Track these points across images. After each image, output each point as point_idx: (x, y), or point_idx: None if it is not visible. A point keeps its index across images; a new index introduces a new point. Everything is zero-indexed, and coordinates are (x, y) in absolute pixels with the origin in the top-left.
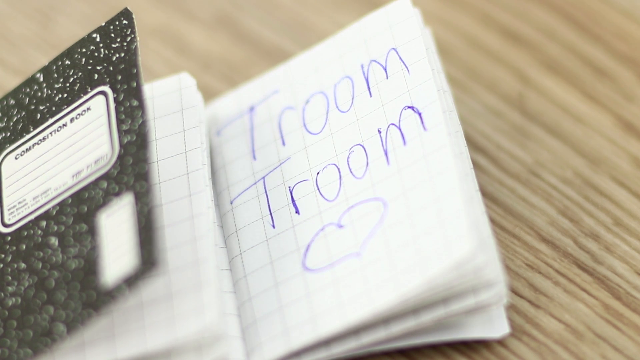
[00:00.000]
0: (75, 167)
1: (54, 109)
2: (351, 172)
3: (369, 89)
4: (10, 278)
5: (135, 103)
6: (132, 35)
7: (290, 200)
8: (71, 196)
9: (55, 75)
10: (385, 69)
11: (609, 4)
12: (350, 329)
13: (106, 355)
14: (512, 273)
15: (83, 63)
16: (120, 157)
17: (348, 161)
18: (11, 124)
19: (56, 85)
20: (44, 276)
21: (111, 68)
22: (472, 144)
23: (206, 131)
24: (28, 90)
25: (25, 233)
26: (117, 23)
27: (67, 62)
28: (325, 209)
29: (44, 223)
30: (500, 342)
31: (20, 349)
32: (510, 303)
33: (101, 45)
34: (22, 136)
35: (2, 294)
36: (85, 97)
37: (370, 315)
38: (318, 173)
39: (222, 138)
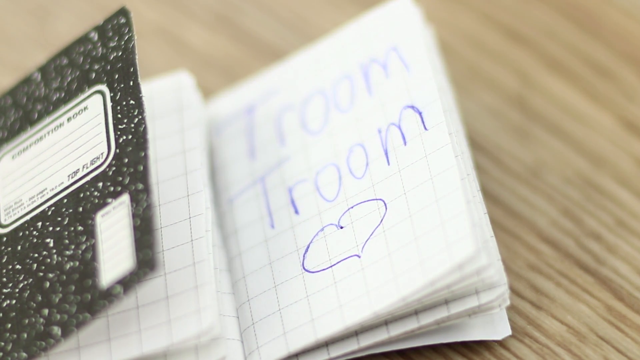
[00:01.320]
0: (72, 167)
1: (51, 108)
2: (351, 172)
3: (368, 88)
4: (5, 279)
5: (132, 102)
6: (130, 34)
7: (289, 201)
8: (67, 196)
9: (53, 74)
10: (385, 68)
11: (610, 3)
12: (350, 331)
13: (102, 359)
14: (514, 274)
15: (80, 62)
16: (116, 157)
17: (348, 161)
18: (8, 123)
19: (53, 84)
20: (39, 277)
21: (108, 67)
22: (473, 144)
23: (205, 131)
24: (25, 89)
25: (21, 234)
26: (114, 21)
27: (65, 60)
28: (324, 210)
29: (39, 223)
30: (502, 343)
31: (15, 352)
32: (512, 304)
33: (98, 43)
34: (19, 136)
35: None
36: (82, 96)
37: (370, 317)
38: (318, 173)
39: (221, 138)
